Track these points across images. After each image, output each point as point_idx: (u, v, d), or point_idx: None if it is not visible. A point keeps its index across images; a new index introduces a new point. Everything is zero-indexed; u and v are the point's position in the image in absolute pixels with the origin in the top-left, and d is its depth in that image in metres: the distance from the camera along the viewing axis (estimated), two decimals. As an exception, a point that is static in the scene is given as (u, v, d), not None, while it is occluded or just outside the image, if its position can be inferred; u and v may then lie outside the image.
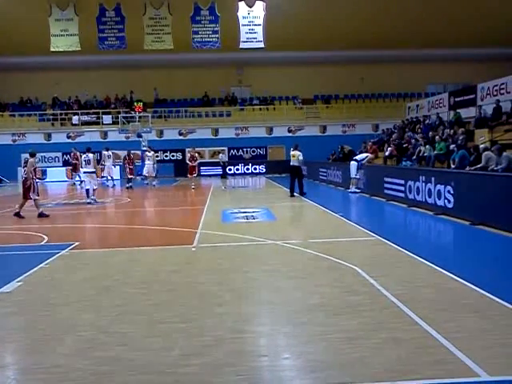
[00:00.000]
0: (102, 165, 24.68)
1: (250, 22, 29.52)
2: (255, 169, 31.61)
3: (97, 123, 31.70)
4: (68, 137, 31.32)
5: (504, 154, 12.20)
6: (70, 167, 27.47)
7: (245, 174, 31.33)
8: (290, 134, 31.96)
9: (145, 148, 25.69)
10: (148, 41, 29.35)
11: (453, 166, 14.34)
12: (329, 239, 8.81)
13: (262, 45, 29.36)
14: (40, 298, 5.72)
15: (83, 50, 29.01)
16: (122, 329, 4.60)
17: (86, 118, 31.98)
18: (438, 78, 34.13)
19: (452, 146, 15.75)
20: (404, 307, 4.89)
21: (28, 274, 6.72)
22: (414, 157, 17.83)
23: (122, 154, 27.99)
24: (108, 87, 33.38)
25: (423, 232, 10.48)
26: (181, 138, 31.77)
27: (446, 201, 10.94)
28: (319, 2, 28.92)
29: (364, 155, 18.23)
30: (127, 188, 21.90)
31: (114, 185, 24.82)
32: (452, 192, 10.69)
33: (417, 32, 30.07)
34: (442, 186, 11.10)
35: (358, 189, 17.32)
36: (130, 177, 23.16)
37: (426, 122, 21.82)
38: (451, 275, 5.98)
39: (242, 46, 29.44)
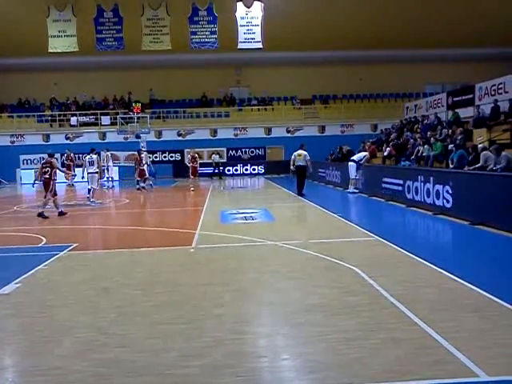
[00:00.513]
0: (102, 166, 24.64)
1: (248, 22, 29.48)
2: (254, 169, 31.58)
3: (95, 124, 31.65)
4: (66, 138, 31.27)
5: (503, 153, 12.21)
6: (64, 168, 27.16)
7: (243, 174, 31.31)
8: (289, 135, 31.95)
9: (145, 149, 25.65)
10: (146, 41, 29.29)
11: (451, 166, 14.35)
12: (328, 240, 8.81)
13: (260, 45, 29.31)
14: (38, 299, 5.71)
15: (81, 51, 28.94)
16: (122, 330, 4.59)
17: (84, 119, 31.93)
18: (436, 78, 34.16)
19: (450, 146, 15.76)
20: (403, 307, 4.89)
21: (26, 275, 6.71)
22: (413, 157, 17.84)
23: (121, 154, 28.01)
24: (106, 88, 33.34)
25: (422, 232, 10.49)
26: (179, 138, 31.73)
27: (444, 201, 10.94)
28: (317, 2, 28.88)
29: (362, 154, 18.17)
30: (138, 189, 21.67)
31: (113, 186, 24.80)
32: (451, 192, 10.70)
33: (415, 32, 30.07)
34: (441, 186, 11.11)
35: (357, 189, 17.32)
36: (139, 178, 22.78)
37: (425, 121, 21.84)
38: (450, 275, 5.99)
39: (240, 46, 29.40)
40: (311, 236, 9.20)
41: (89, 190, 16.47)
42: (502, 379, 3.43)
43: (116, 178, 27.39)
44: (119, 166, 28.70)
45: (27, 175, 29.96)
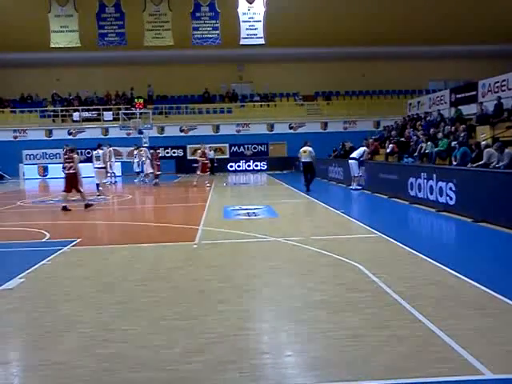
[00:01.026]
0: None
1: (250, 18, 29.40)
2: (256, 166, 31.58)
3: (98, 120, 31.68)
4: (69, 133, 31.31)
5: (506, 150, 12.18)
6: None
7: (246, 170, 31.30)
8: (291, 131, 31.93)
9: (147, 144, 25.66)
10: (148, 37, 29.25)
11: (454, 163, 14.31)
12: (331, 236, 8.80)
13: (262, 41, 29.25)
14: (42, 294, 5.72)
15: (83, 47, 28.93)
16: (124, 326, 4.59)
17: (86, 114, 31.94)
18: (439, 75, 34.07)
19: (453, 143, 15.72)
20: (406, 304, 4.88)
21: (30, 270, 6.72)
22: (416, 154, 17.79)
23: (123, 150, 28.01)
24: (108, 84, 33.33)
25: (425, 229, 10.46)
26: (182, 134, 31.75)
27: (447, 198, 10.92)
28: (320, -3, 28.84)
29: (361, 150, 17.94)
30: (154, 185, 21.61)
31: (115, 181, 24.82)
32: (454, 189, 10.67)
33: (418, 28, 29.99)
34: (444, 183, 11.08)
35: (360, 186, 17.29)
36: (157, 173, 22.72)
37: (427, 118, 21.78)
38: (454, 272, 5.97)
39: (242, 42, 29.34)
40: (314, 232, 9.19)
41: (97, 185, 16.67)
42: (508, 377, 3.42)
43: (118, 173, 27.42)
44: (122, 162, 28.72)
45: (30, 170, 30.08)
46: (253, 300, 5.41)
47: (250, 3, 29.32)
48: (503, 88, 17.65)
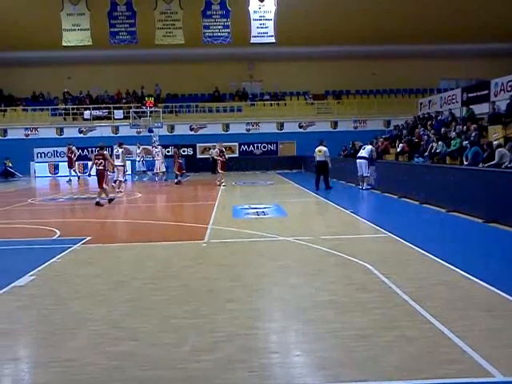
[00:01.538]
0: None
1: (261, 16, 29.36)
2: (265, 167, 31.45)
3: (108, 118, 31.83)
4: (80, 131, 31.51)
5: (518, 150, 12.07)
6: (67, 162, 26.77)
7: (256, 169, 31.24)
8: (301, 130, 31.86)
9: (157, 143, 25.77)
10: (159, 35, 29.32)
11: (465, 163, 14.20)
12: (340, 236, 8.78)
13: (273, 39, 29.20)
14: (52, 292, 5.77)
15: (94, 45, 29.07)
16: (134, 324, 4.62)
17: (97, 112, 32.12)
18: (450, 74, 33.74)
19: (465, 143, 15.59)
20: (416, 305, 4.86)
21: (41, 268, 6.78)
22: (426, 153, 17.67)
23: (133, 148, 28.11)
24: (119, 82, 33.45)
25: (435, 229, 10.38)
26: (192, 133, 31.81)
27: (458, 198, 10.83)
28: (331, -4, 28.73)
29: (369, 148, 17.71)
30: (176, 183, 21.60)
31: (125, 179, 24.95)
32: (464, 189, 10.58)
33: (429, 26, 29.75)
34: (455, 183, 11.00)
35: (370, 185, 17.22)
36: (178, 172, 22.65)
37: (439, 118, 21.62)
38: (464, 273, 5.93)
39: (253, 40, 29.31)
40: (323, 232, 9.17)
41: (115, 182, 17.00)
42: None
43: (129, 171, 27.56)
44: (131, 160, 28.83)
45: (41, 168, 30.32)
46: (262, 299, 5.42)
47: (261, 1, 29.27)
48: (516, 87, 17.48)
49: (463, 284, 5.59)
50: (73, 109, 32.26)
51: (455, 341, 4.00)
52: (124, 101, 33.20)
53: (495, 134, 15.47)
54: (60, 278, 6.35)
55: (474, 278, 5.70)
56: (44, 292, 5.75)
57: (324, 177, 17.52)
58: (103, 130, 31.07)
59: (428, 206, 12.28)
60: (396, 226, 9.67)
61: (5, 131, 31.40)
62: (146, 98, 29.84)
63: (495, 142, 13.69)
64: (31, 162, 30.66)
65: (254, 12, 29.21)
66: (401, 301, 5.05)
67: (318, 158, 17.63)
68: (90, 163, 17.29)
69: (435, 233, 9.83)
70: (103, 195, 14.17)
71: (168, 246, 8.37)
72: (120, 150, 17.98)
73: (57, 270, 6.77)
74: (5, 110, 32.41)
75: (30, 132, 31.50)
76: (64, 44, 28.99)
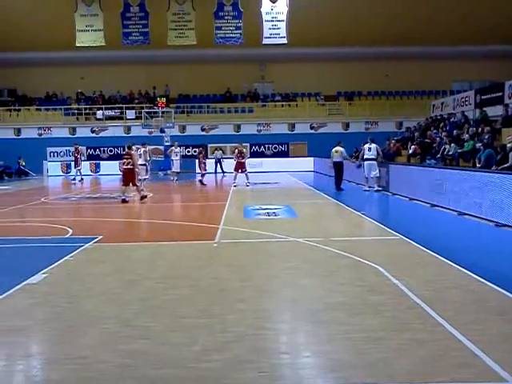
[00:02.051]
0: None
1: (273, 17, 29.41)
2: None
3: (120, 118, 32.05)
4: (92, 131, 31.76)
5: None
6: (73, 161, 26.67)
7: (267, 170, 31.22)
8: (313, 131, 31.82)
9: (169, 143, 25.88)
10: (171, 36, 29.49)
11: (478, 166, 14.09)
12: (351, 237, 8.76)
13: (285, 41, 29.23)
14: (65, 290, 5.83)
15: (108, 46, 29.34)
16: (145, 322, 4.65)
17: (109, 112, 32.36)
18: (463, 75, 33.47)
19: (478, 145, 15.47)
20: (428, 308, 4.83)
21: (53, 266, 6.85)
22: (439, 155, 17.56)
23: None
24: (131, 82, 33.65)
25: (446, 232, 10.30)
26: (203, 133, 31.91)
27: (470, 201, 10.74)
28: (343, -3, 28.69)
29: (373, 148, 17.20)
30: (202, 183, 21.35)
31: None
32: (477, 192, 10.49)
33: (441, 28, 29.58)
34: (467, 186, 10.90)
35: (381, 187, 17.13)
36: (202, 172, 22.63)
37: (451, 120, 21.47)
38: (476, 276, 5.88)
39: (265, 41, 29.37)
40: (334, 233, 9.16)
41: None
42: (530, 384, 3.37)
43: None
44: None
45: (54, 167, 30.60)
46: (272, 300, 5.43)
47: (273, 2, 29.32)
48: (530, 89, 17.32)
49: (475, 287, 5.54)
50: (85, 109, 32.53)
51: (467, 344, 3.97)
52: (136, 101, 33.42)
53: (509, 136, 15.32)
54: (72, 277, 6.41)
55: (486, 282, 5.65)
56: (57, 290, 5.81)
57: (339, 177, 17.60)
58: (115, 130, 31.30)
59: (439, 208, 12.19)
60: (407, 228, 9.61)
61: (19, 130, 31.76)
62: (158, 99, 30.01)
63: (509, 145, 13.56)
64: (44, 161, 30.97)
65: (266, 13, 29.27)
66: (412, 303, 5.02)
67: (334, 159, 17.67)
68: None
69: (447, 236, 9.75)
70: (134, 193, 14.54)
71: (179, 245, 8.41)
72: (142, 150, 18.20)
73: (69, 268, 6.84)
74: (19, 110, 32.76)
75: (43, 131, 31.83)
76: (77, 44, 29.30)
